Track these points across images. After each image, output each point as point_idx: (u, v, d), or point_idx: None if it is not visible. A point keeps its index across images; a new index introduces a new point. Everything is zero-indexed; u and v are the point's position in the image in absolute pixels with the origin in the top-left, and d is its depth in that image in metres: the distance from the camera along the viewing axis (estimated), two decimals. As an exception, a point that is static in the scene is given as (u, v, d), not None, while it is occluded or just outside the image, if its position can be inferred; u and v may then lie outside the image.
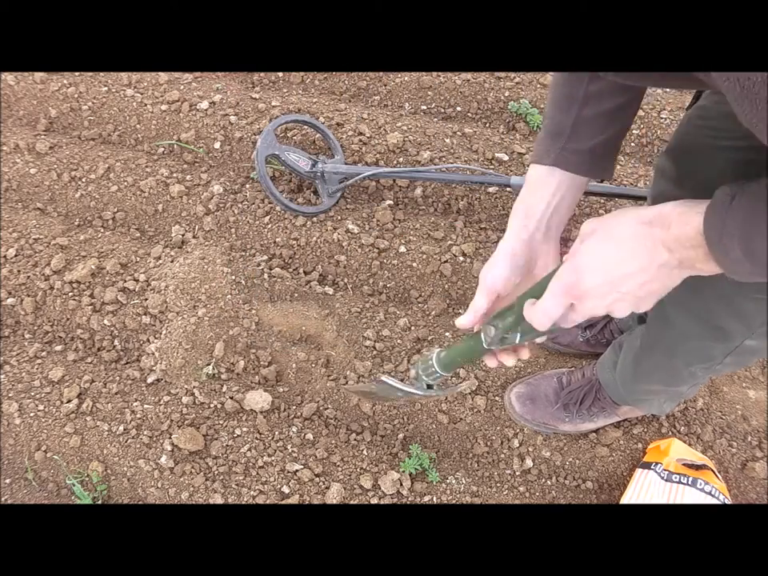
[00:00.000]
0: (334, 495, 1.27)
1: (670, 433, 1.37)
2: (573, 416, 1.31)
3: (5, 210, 1.63)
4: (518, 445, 1.35)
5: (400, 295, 1.53)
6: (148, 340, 1.43)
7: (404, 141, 1.67)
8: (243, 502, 1.27)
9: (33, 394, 1.38)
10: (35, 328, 1.49)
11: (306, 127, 1.70)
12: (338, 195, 1.57)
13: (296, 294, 1.50)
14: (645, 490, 1.25)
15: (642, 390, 1.19)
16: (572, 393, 1.31)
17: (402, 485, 1.30)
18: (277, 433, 1.35)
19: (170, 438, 1.32)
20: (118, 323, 1.44)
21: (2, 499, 1.31)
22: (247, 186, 1.64)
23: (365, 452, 1.34)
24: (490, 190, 1.61)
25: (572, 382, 1.33)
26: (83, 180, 1.65)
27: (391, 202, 1.62)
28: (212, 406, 1.37)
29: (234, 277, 1.49)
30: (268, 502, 1.27)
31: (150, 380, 1.40)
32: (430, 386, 0.87)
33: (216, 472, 1.30)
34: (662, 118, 1.74)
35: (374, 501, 1.29)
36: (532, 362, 1.44)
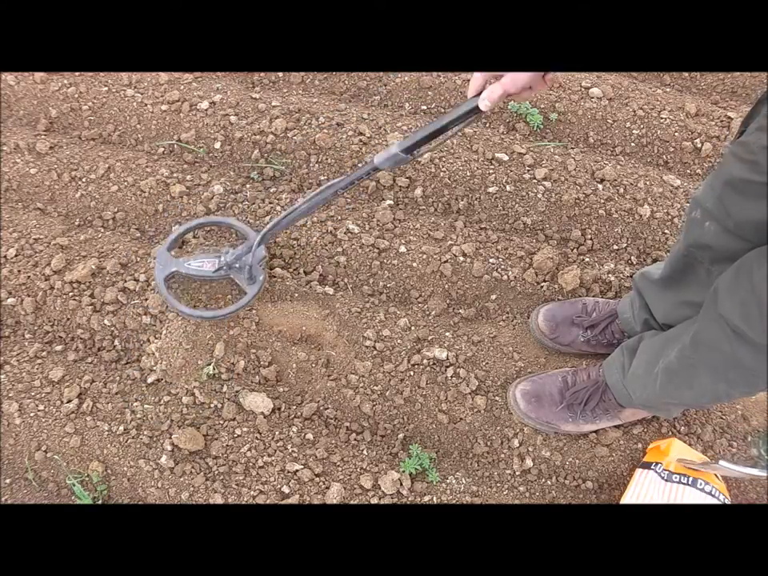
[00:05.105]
0: (333, 495, 1.27)
1: (670, 433, 1.37)
2: (576, 416, 1.31)
3: (5, 209, 1.63)
4: (518, 445, 1.35)
5: (400, 295, 1.53)
6: (148, 340, 1.43)
7: (404, 141, 1.67)
8: (243, 502, 1.27)
9: (33, 393, 1.38)
10: (35, 328, 1.49)
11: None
12: (261, 278, 1.40)
13: (296, 294, 1.50)
14: (645, 489, 1.25)
15: (662, 402, 1.18)
16: (577, 393, 1.31)
17: (401, 485, 1.30)
18: (277, 433, 1.35)
19: (170, 437, 1.32)
20: (118, 323, 1.45)
21: (2, 499, 1.31)
22: (247, 185, 1.64)
23: (365, 452, 1.34)
24: (490, 190, 1.62)
25: (577, 382, 1.33)
26: (83, 180, 1.65)
27: (391, 202, 1.62)
28: (212, 405, 1.37)
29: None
30: (268, 502, 1.27)
31: (150, 380, 1.40)
32: None
33: (216, 472, 1.30)
34: (662, 118, 1.74)
35: (374, 501, 1.29)
36: (532, 361, 1.44)
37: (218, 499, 1.27)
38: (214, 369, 1.39)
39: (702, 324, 0.97)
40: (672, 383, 1.08)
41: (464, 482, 1.32)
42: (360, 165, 1.03)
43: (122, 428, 1.34)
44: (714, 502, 1.22)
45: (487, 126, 1.77)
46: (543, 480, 1.33)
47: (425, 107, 1.80)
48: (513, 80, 0.89)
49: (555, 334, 1.41)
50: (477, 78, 0.94)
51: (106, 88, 1.79)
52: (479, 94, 0.94)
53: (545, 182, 1.62)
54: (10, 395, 1.37)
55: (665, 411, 1.26)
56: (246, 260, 1.36)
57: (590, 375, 1.33)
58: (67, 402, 1.37)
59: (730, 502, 1.25)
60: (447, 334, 1.47)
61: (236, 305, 1.37)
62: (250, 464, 1.31)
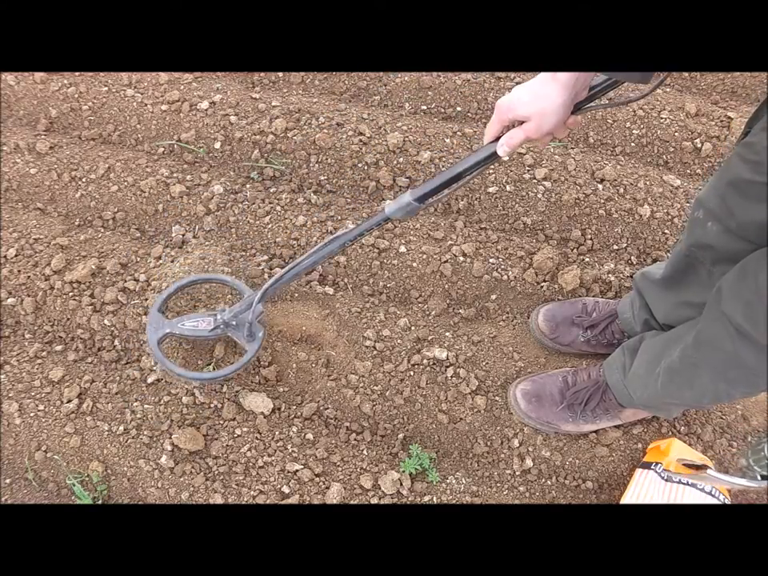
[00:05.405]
0: (333, 495, 1.27)
1: (670, 433, 1.37)
2: (576, 416, 1.31)
3: (5, 209, 1.63)
4: (518, 445, 1.35)
5: (400, 295, 1.53)
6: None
7: (404, 141, 1.67)
8: (243, 502, 1.27)
9: (33, 393, 1.38)
10: (35, 328, 1.49)
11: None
12: (260, 335, 1.33)
13: (296, 294, 1.50)
14: (645, 489, 1.25)
15: (662, 401, 1.18)
16: (577, 393, 1.31)
17: (401, 485, 1.30)
18: (277, 433, 1.35)
19: (170, 437, 1.32)
20: (118, 323, 1.45)
21: (2, 499, 1.31)
22: (247, 185, 1.64)
23: (365, 452, 1.34)
24: (490, 190, 1.62)
25: (578, 382, 1.33)
26: (83, 180, 1.65)
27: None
28: (212, 405, 1.37)
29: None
30: (268, 502, 1.27)
31: (150, 380, 1.40)
32: (765, 477, 0.87)
33: (216, 472, 1.30)
34: (662, 118, 1.74)
35: (374, 501, 1.29)
36: (532, 361, 1.44)
37: (218, 499, 1.27)
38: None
39: (705, 323, 0.97)
40: (673, 383, 1.08)
41: (464, 481, 1.32)
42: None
43: (121, 428, 1.34)
44: (714, 502, 1.22)
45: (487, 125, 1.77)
46: (543, 480, 1.33)
47: (425, 107, 1.80)
48: (537, 127, 0.87)
49: (555, 334, 1.41)
50: (493, 123, 0.92)
51: (106, 88, 1.79)
52: (496, 139, 0.93)
53: (545, 182, 1.62)
54: (10, 395, 1.37)
55: (665, 411, 1.26)
56: (244, 317, 1.30)
57: (591, 375, 1.33)
58: (67, 402, 1.37)
59: (729, 502, 1.25)
60: (447, 333, 1.47)
61: (236, 364, 1.32)
62: (250, 464, 1.31)
